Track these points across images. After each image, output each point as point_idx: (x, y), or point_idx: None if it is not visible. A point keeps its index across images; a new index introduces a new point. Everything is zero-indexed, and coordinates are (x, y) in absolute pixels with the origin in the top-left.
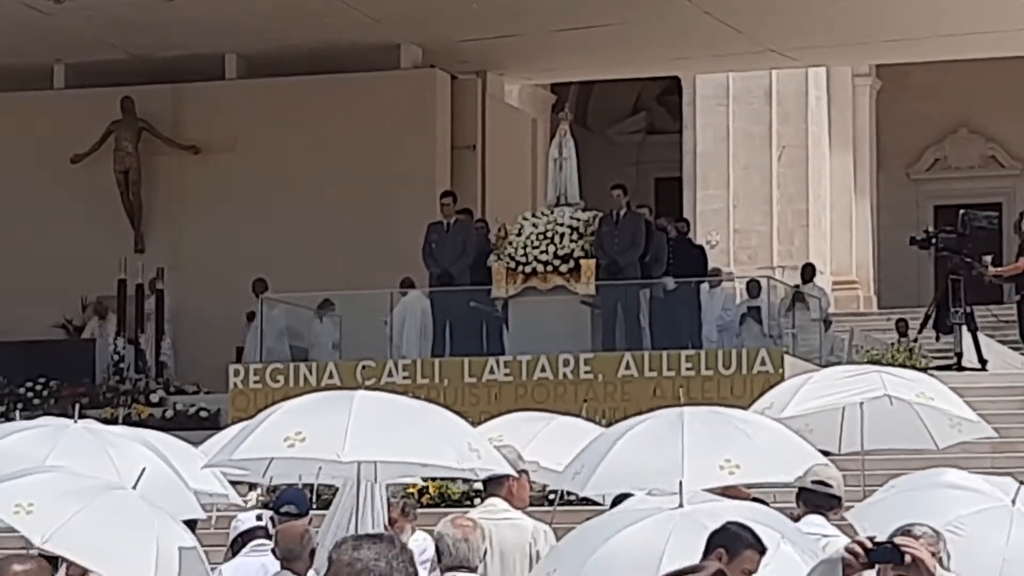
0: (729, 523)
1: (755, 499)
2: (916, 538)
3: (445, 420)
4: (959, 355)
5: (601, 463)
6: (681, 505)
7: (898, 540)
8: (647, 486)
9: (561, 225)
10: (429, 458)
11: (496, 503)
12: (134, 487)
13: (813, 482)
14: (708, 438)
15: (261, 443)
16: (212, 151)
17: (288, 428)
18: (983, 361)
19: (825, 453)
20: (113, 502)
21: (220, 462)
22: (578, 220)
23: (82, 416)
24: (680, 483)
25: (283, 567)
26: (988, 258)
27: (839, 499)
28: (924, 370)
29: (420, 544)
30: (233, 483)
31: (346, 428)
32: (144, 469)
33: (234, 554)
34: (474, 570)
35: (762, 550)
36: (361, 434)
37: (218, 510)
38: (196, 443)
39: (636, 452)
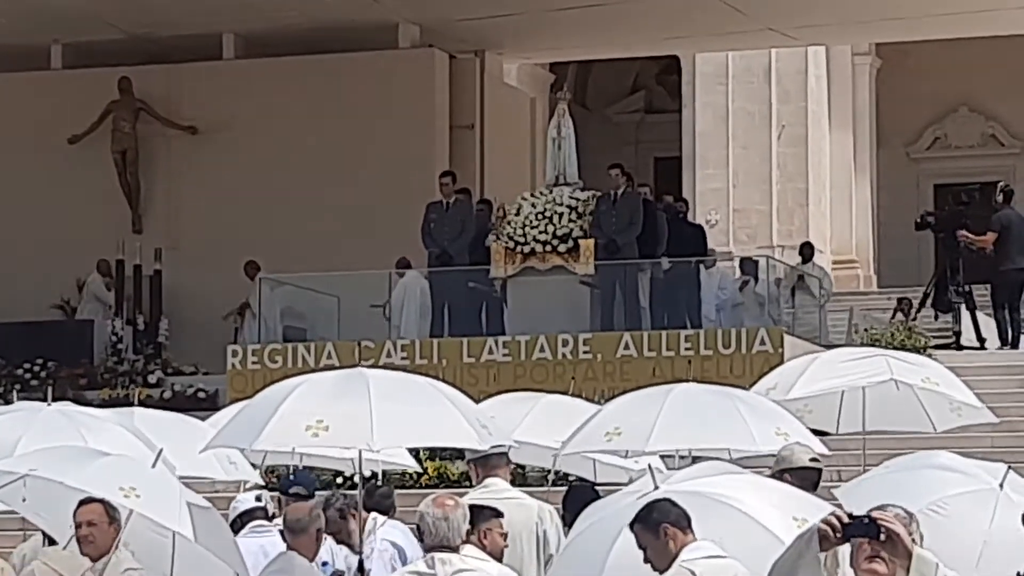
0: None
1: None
2: None
3: (455, 398)
4: (957, 334)
5: (657, 422)
6: (656, 487)
7: (875, 514)
8: (717, 446)
9: (560, 205)
10: (455, 441)
11: (497, 483)
12: (153, 466)
13: (811, 460)
14: (756, 406)
15: (283, 433)
16: (210, 131)
17: (308, 416)
18: (982, 340)
19: (823, 433)
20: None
21: (237, 447)
22: (577, 200)
23: (82, 399)
24: (649, 466)
25: (289, 547)
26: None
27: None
28: (923, 349)
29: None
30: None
31: (370, 414)
32: (161, 450)
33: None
34: (455, 549)
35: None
36: (386, 420)
37: (216, 490)
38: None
39: (693, 412)
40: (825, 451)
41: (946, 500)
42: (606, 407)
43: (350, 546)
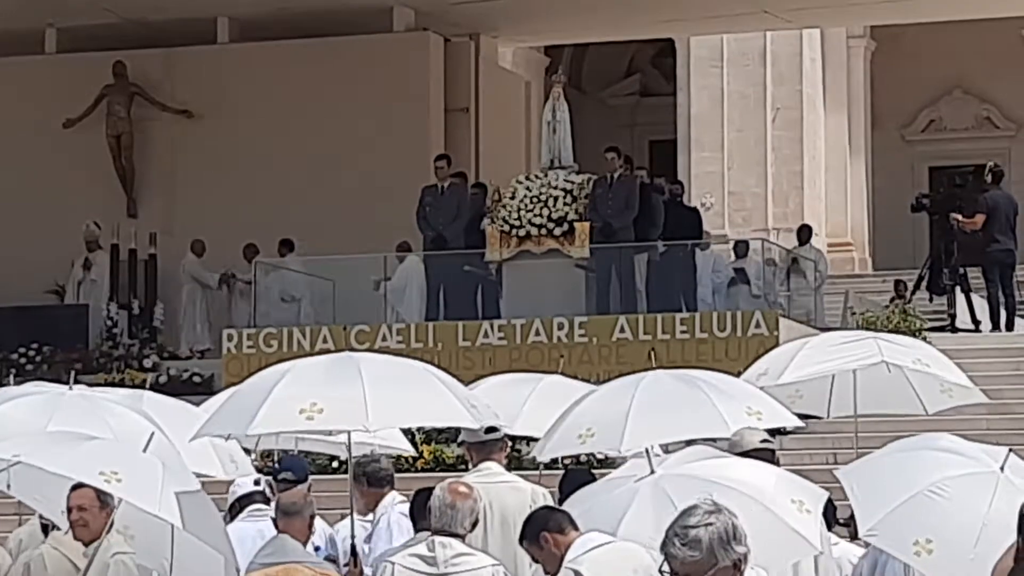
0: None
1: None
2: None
3: (445, 379)
4: (953, 316)
5: (628, 420)
6: (652, 471)
7: None
8: (689, 436)
9: (555, 188)
10: (449, 421)
11: (492, 467)
12: (144, 451)
13: (761, 441)
14: (724, 388)
15: (277, 417)
16: (205, 115)
17: (301, 399)
18: (976, 323)
19: (812, 418)
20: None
21: (234, 436)
22: (572, 183)
23: (76, 382)
24: (647, 449)
25: (282, 531)
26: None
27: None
28: (919, 331)
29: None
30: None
31: (364, 396)
32: (153, 434)
33: (231, 519)
34: (458, 536)
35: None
36: (380, 401)
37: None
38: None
39: (662, 405)
40: (799, 423)
41: (946, 481)
42: (579, 405)
43: (364, 513)
